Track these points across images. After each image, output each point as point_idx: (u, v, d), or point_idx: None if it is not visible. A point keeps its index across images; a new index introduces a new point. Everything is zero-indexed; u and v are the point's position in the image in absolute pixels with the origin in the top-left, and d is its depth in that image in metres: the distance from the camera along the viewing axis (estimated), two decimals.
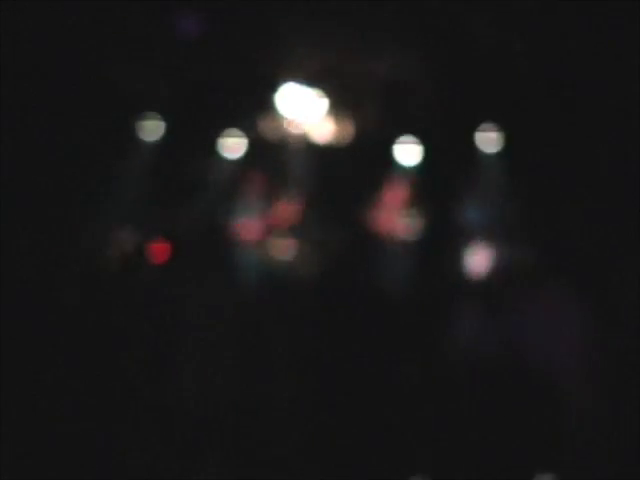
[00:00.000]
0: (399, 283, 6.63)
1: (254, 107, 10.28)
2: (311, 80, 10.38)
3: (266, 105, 10.41)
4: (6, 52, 8.43)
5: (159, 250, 8.04)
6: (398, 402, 5.44)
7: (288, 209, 9.35)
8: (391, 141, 10.26)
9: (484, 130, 9.86)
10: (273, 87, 10.37)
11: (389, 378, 5.41)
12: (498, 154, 9.81)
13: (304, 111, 10.47)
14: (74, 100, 9.23)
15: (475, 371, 5.94)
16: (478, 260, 8.76)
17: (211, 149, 10.11)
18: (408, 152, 10.14)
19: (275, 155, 10.11)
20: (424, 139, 10.14)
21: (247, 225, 9.17)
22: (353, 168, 10.16)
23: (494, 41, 9.46)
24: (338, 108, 10.49)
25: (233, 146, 10.08)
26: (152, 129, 10.11)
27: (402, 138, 10.20)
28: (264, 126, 10.56)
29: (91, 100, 9.37)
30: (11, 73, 8.75)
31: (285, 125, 10.52)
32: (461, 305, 6.30)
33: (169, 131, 10.09)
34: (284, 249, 9.03)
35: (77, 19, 9.14)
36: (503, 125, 9.72)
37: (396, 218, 9.21)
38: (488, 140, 9.86)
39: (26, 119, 8.92)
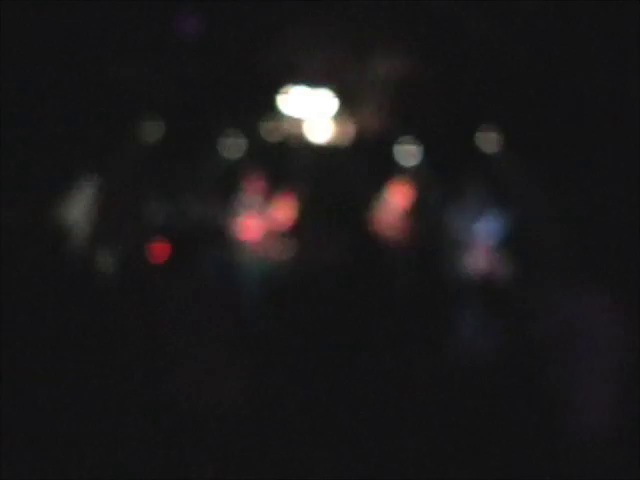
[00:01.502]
0: (401, 283, 6.62)
1: (256, 108, 10.30)
2: (313, 81, 10.40)
3: (267, 106, 10.43)
4: (6, 52, 8.44)
5: (159, 250, 8.05)
6: (401, 402, 5.44)
7: (289, 209, 9.36)
8: (392, 141, 10.28)
9: (484, 130, 9.88)
10: (275, 88, 10.39)
11: (394, 378, 5.40)
12: (498, 154, 9.83)
13: (305, 112, 10.48)
14: (74, 100, 9.25)
15: (486, 371, 5.94)
16: (480, 260, 8.76)
17: (212, 149, 10.14)
18: (409, 152, 10.16)
19: (276, 155, 10.13)
20: (425, 139, 10.15)
21: (248, 225, 9.18)
22: (355, 168, 10.17)
23: (495, 42, 9.47)
24: (340, 109, 10.51)
25: (234, 146, 10.10)
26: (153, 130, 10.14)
27: (403, 138, 10.22)
28: (265, 126, 10.57)
29: (92, 100, 9.39)
30: (12, 74, 8.76)
31: (287, 126, 10.53)
32: (463, 305, 6.30)
33: (169, 131, 10.12)
34: (284, 249, 9.04)
35: (78, 19, 9.15)
36: (503, 126, 9.73)
37: (398, 218, 9.22)
38: (488, 140, 9.87)
39: (26, 119, 8.94)
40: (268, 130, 10.54)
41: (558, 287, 4.56)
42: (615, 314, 4.44)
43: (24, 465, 5.39)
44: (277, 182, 9.48)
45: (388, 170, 9.86)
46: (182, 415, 5.28)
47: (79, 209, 9.32)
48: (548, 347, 4.53)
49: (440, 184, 9.71)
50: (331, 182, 10.18)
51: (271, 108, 10.41)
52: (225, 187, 9.56)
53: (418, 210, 9.31)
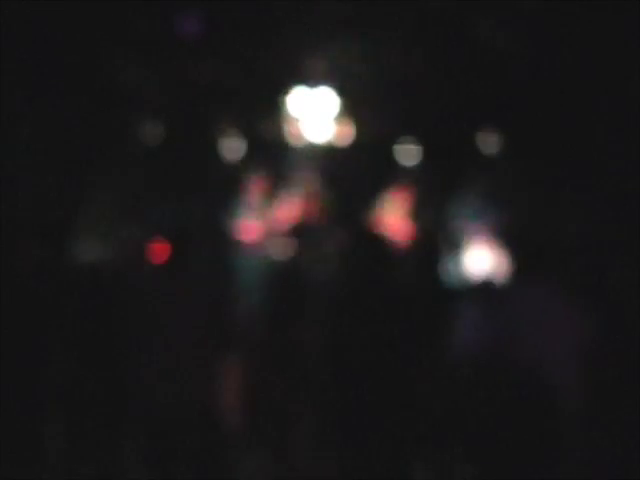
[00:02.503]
0: (401, 282, 6.61)
1: (257, 108, 10.30)
2: (314, 81, 10.41)
3: (268, 106, 10.44)
4: (7, 52, 8.46)
5: (159, 250, 8.04)
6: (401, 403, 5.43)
7: (289, 210, 9.35)
8: (393, 142, 10.28)
9: (484, 131, 9.89)
10: (275, 88, 10.40)
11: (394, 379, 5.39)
12: (498, 154, 9.83)
13: (306, 112, 10.49)
14: (74, 100, 9.26)
15: (476, 370, 5.92)
16: (479, 259, 8.76)
17: (212, 150, 10.15)
18: (409, 152, 10.16)
19: (278, 155, 10.13)
20: (425, 139, 10.16)
21: (248, 226, 9.18)
22: (355, 168, 10.18)
23: (496, 42, 9.48)
24: (340, 109, 10.52)
25: (234, 147, 10.11)
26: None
27: (404, 138, 10.22)
28: (266, 126, 10.58)
29: (92, 101, 9.40)
30: (13, 73, 8.77)
31: (288, 126, 10.54)
32: (462, 304, 6.30)
33: (170, 132, 10.14)
34: (285, 250, 9.04)
35: (79, 19, 9.17)
36: (503, 126, 9.74)
37: (398, 218, 9.22)
38: (488, 141, 9.88)
39: (26, 119, 8.95)
40: (268, 130, 10.55)
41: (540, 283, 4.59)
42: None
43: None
44: (278, 182, 9.49)
45: (388, 170, 9.86)
46: (182, 416, 5.28)
47: (79, 209, 9.34)
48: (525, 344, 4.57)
49: (440, 184, 9.71)
50: (332, 182, 10.19)
51: (271, 108, 10.42)
52: (225, 188, 9.57)
53: (418, 210, 9.31)
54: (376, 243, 5.39)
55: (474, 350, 6.07)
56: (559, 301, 4.85)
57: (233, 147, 10.13)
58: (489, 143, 9.97)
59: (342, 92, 10.46)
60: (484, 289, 6.27)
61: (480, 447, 5.76)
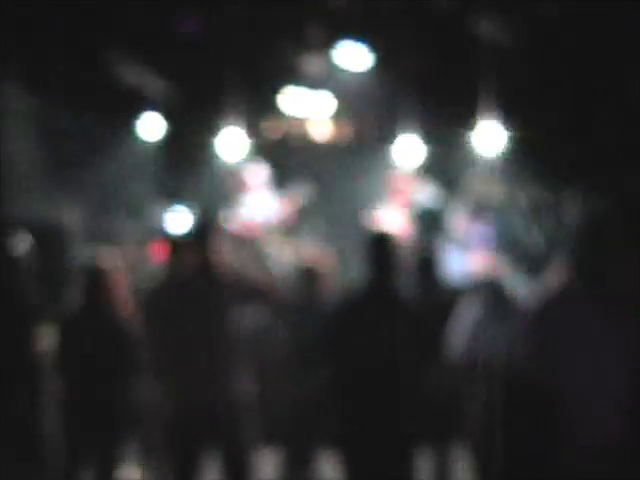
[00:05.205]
0: (400, 284, 6.61)
1: (256, 107, 10.30)
2: (313, 81, 10.41)
3: (268, 105, 10.44)
4: (7, 51, 8.46)
5: (159, 250, 8.05)
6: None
7: (290, 209, 9.35)
8: (391, 141, 10.26)
9: (484, 130, 9.86)
10: (275, 88, 10.40)
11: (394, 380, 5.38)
12: (498, 154, 9.81)
13: (306, 111, 10.49)
14: (74, 98, 9.27)
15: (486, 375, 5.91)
16: (481, 262, 8.75)
17: (212, 149, 10.14)
18: (408, 152, 10.14)
19: (277, 155, 10.12)
20: (425, 138, 10.14)
21: (249, 225, 9.18)
22: (355, 167, 10.17)
23: (495, 41, 9.48)
24: (339, 109, 10.52)
25: (235, 146, 10.09)
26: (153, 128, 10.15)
27: (402, 138, 10.19)
28: (266, 126, 10.58)
29: (92, 99, 9.40)
30: (12, 72, 8.77)
31: (287, 125, 10.54)
32: (464, 307, 6.30)
33: (170, 131, 10.14)
34: (284, 247, 9.04)
35: (79, 19, 9.18)
36: (504, 125, 9.73)
37: (397, 217, 9.22)
38: (488, 140, 9.85)
39: (26, 118, 8.94)
40: (269, 130, 10.54)
41: (554, 291, 4.43)
42: (617, 321, 4.30)
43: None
44: (278, 182, 9.48)
45: (388, 169, 9.85)
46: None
47: (76, 209, 9.34)
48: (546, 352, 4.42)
49: (441, 184, 9.70)
50: (332, 181, 10.19)
51: (272, 108, 10.42)
52: (226, 187, 9.56)
53: (418, 210, 9.30)
54: (382, 243, 5.37)
55: (477, 352, 6.06)
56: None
57: (233, 146, 10.11)
58: (489, 142, 9.96)
59: (342, 92, 10.47)
60: (486, 291, 6.26)
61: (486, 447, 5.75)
